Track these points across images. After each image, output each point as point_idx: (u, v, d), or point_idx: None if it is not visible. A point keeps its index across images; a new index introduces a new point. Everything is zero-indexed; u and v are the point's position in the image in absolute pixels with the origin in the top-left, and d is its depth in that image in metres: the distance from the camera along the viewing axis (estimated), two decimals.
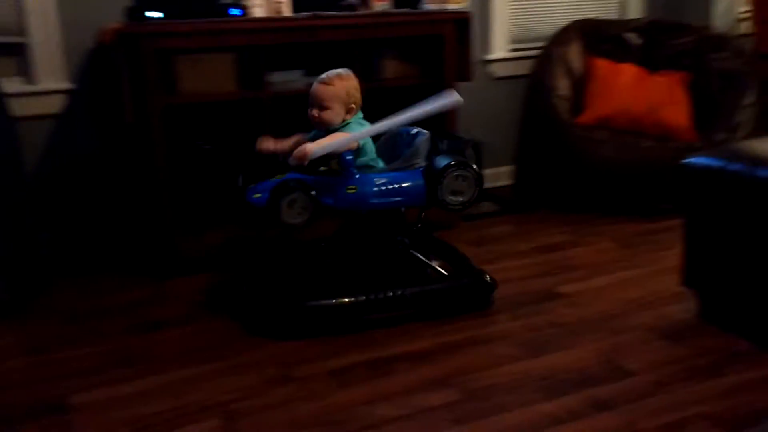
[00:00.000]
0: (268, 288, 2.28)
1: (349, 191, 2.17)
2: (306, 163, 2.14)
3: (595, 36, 3.61)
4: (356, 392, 1.86)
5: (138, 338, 2.20)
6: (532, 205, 3.46)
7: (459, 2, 3.01)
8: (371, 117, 2.73)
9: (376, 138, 2.35)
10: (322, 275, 2.35)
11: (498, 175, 3.72)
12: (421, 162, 2.27)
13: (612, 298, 2.39)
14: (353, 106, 2.28)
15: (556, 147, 3.38)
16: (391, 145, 2.40)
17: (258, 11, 2.74)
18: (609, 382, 1.87)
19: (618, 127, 3.33)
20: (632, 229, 3.07)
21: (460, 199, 2.22)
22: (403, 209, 2.33)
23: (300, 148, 2.15)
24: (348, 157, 2.17)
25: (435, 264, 2.41)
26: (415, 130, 2.36)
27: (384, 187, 2.20)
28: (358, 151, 2.24)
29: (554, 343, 2.11)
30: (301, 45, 2.82)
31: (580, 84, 3.52)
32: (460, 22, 2.95)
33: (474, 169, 2.23)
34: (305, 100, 2.98)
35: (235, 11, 2.66)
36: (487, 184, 3.62)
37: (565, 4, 3.81)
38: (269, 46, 2.70)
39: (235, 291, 2.46)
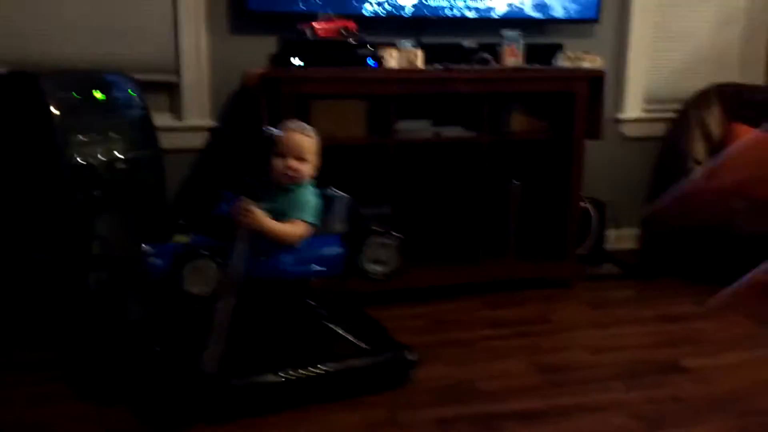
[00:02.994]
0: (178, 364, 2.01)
1: (262, 258, 1.98)
2: (246, 227, 1.92)
3: (737, 101, 3.46)
4: None
5: None
6: (657, 270, 3.32)
7: (594, 61, 2.98)
8: (498, 170, 2.72)
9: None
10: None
11: (622, 238, 3.60)
12: (339, 227, 2.09)
13: (743, 378, 2.23)
14: (318, 164, 2.14)
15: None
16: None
17: (392, 62, 2.83)
18: None
19: (758, 196, 3.14)
20: None
21: (382, 269, 2.06)
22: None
23: (248, 207, 1.92)
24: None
25: (351, 338, 2.16)
26: (333, 194, 2.19)
27: (298, 255, 2.01)
28: None
29: (675, 418, 1.99)
30: (430, 96, 2.89)
31: (718, 150, 3.36)
32: (594, 80, 2.92)
33: (398, 237, 2.05)
34: (431, 148, 3.05)
35: (371, 61, 2.77)
36: (611, 246, 3.52)
37: (707, 66, 3.68)
38: (400, 96, 2.78)
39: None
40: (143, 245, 2.01)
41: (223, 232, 1.97)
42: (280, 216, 2.00)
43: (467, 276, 2.97)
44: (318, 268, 2.03)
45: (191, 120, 3.04)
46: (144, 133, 2.61)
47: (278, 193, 2.07)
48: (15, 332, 2.47)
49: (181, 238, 2.01)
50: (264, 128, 2.08)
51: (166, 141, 2.80)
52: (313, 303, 2.15)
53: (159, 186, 2.66)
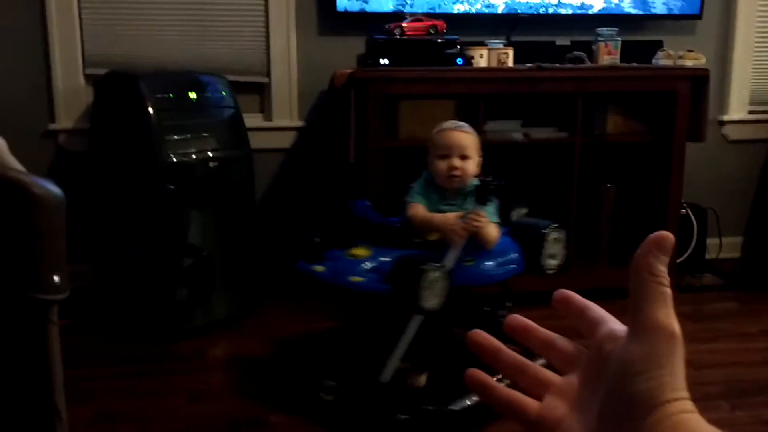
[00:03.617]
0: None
1: (467, 263, 1.90)
2: (472, 234, 1.87)
3: None
4: None
5: None
6: (762, 281, 3.11)
7: (697, 59, 2.82)
8: (591, 173, 2.62)
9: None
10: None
11: (724, 246, 3.39)
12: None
13: None
14: (480, 160, 2.05)
15: None
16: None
17: (482, 61, 2.77)
18: None
19: None
20: None
21: (556, 262, 1.99)
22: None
23: (479, 217, 1.87)
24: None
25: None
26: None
27: (497, 258, 1.94)
28: None
29: None
30: (520, 95, 2.81)
31: None
32: (697, 79, 2.77)
33: (565, 230, 2.02)
34: (521, 149, 2.96)
35: (460, 61, 2.72)
36: (711, 255, 3.33)
37: None
38: (489, 95, 2.72)
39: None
40: (305, 261, 1.98)
41: (395, 241, 1.95)
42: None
43: (557, 283, 2.85)
44: (512, 268, 1.99)
45: (280, 120, 3.08)
46: (235, 132, 2.65)
47: (455, 197, 2.02)
48: (112, 327, 2.55)
49: (362, 252, 1.95)
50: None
51: (256, 141, 2.84)
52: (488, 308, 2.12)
53: (248, 184, 2.69)
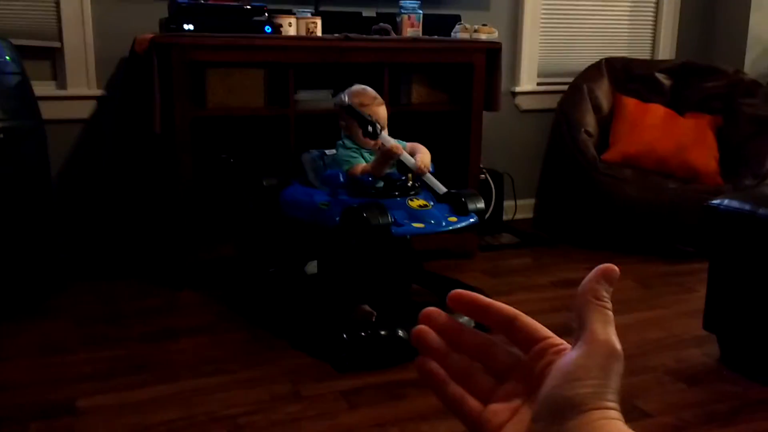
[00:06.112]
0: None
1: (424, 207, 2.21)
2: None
3: (624, 74, 3.61)
4: (366, 414, 1.83)
5: (150, 346, 2.19)
6: (551, 239, 3.44)
7: (490, 33, 3.02)
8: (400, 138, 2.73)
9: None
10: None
11: (519, 208, 3.70)
12: None
13: (630, 339, 2.35)
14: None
15: (579, 182, 3.36)
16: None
17: (290, 30, 2.76)
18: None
19: (643, 166, 3.31)
20: (653, 270, 3.02)
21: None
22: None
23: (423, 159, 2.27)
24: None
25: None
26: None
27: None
28: None
29: None
30: (330, 65, 2.84)
31: (607, 121, 3.51)
32: (491, 52, 2.96)
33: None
34: (331, 119, 3.01)
35: (268, 29, 2.69)
36: (507, 216, 3.61)
37: (596, 41, 3.82)
38: (299, 65, 2.72)
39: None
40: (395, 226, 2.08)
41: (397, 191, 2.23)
42: None
43: None
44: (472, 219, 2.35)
45: (76, 89, 2.86)
46: (22, 101, 2.43)
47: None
48: None
49: (422, 202, 2.20)
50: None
51: (48, 111, 2.62)
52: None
53: (41, 159, 2.48)
